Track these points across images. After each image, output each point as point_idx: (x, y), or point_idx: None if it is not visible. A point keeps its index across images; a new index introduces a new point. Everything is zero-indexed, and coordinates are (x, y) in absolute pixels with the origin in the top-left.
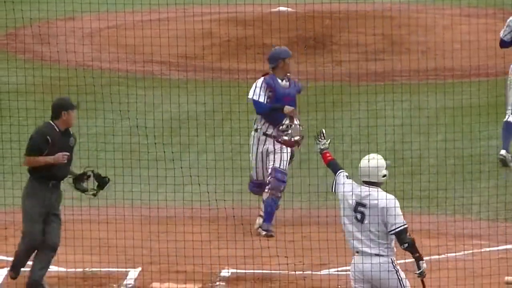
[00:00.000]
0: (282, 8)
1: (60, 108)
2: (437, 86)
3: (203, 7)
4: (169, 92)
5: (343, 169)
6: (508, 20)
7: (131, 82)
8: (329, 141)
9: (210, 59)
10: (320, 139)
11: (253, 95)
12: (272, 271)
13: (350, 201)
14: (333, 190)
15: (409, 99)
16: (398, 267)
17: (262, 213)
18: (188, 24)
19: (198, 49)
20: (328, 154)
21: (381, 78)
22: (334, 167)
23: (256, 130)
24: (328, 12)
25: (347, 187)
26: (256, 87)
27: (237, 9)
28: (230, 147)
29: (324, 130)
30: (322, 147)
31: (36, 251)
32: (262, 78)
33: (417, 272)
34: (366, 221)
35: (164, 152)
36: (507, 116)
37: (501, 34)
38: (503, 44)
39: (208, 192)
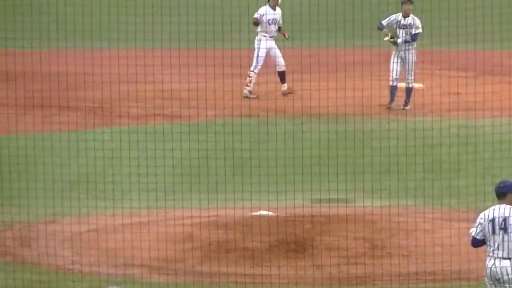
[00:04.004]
0: (263, 212)
1: None
2: None
3: (184, 211)
4: None
5: None
6: (478, 218)
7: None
8: None
9: (191, 263)
10: None
11: None
12: None
13: None
14: None
15: None
16: None
17: None
18: (169, 227)
19: (178, 252)
20: None
21: (362, 282)
22: None
23: None
24: (309, 216)
25: None
26: None
27: (218, 213)
28: None
29: None
30: None
31: None
32: None
33: None
34: None
35: None
36: None
37: (472, 232)
38: (475, 242)
39: None
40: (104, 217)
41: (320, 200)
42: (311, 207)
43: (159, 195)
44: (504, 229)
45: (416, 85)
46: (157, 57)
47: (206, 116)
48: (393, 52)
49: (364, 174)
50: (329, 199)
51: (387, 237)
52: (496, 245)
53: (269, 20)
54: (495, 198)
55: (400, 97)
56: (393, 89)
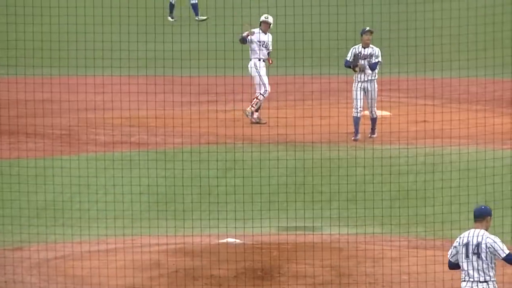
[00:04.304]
0: (230, 239)
1: None
2: None
3: (151, 238)
4: None
5: None
6: (455, 241)
7: None
8: None
9: None
10: None
11: None
12: None
13: None
14: None
15: None
16: None
17: None
18: (136, 254)
19: (145, 279)
20: None
21: None
22: None
23: None
24: (276, 244)
25: None
26: None
27: (185, 240)
28: None
29: None
30: None
31: None
32: None
33: None
34: None
35: None
36: None
37: (448, 255)
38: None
39: None
40: (71, 244)
41: (287, 228)
42: (278, 234)
43: (126, 222)
44: (478, 254)
45: (383, 113)
46: (124, 84)
47: (173, 143)
48: (354, 83)
49: (331, 202)
50: (296, 226)
51: (354, 265)
52: (469, 269)
53: (261, 42)
54: (462, 226)
55: (367, 125)
56: (356, 121)
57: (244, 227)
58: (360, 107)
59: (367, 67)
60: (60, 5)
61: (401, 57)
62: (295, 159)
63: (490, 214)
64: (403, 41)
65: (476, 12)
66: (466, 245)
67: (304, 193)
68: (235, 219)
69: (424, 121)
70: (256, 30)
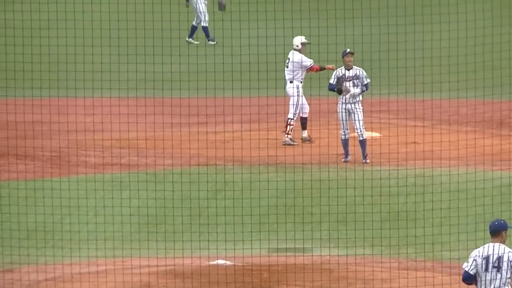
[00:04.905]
0: (220, 261)
1: None
2: None
3: (141, 259)
4: None
5: None
6: (472, 254)
7: None
8: None
9: None
10: None
11: None
12: None
13: None
14: None
15: None
16: None
17: None
18: (126, 276)
19: None
20: None
21: None
22: None
23: None
24: (266, 265)
25: None
26: None
27: (175, 262)
28: None
29: None
30: None
31: None
32: None
33: None
34: None
35: None
36: None
37: (466, 267)
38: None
39: None
40: (62, 266)
41: (278, 249)
42: (269, 256)
43: (116, 244)
44: (498, 267)
45: (373, 134)
46: (114, 106)
47: (163, 165)
48: (338, 105)
49: (322, 223)
50: (286, 248)
51: (345, 286)
52: (487, 282)
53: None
54: (453, 247)
55: (357, 146)
56: (345, 142)
57: (234, 249)
58: (347, 129)
59: (351, 89)
60: (50, 27)
61: (391, 78)
62: (285, 181)
63: (505, 228)
64: (393, 63)
65: (466, 33)
66: (487, 258)
67: (294, 214)
68: (226, 240)
69: (414, 142)
70: (304, 56)
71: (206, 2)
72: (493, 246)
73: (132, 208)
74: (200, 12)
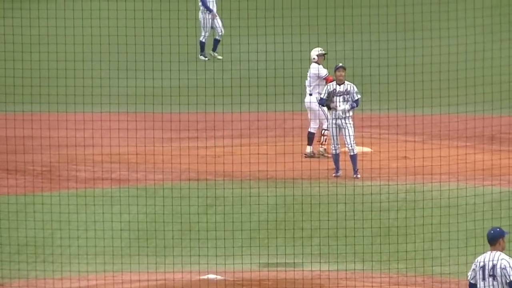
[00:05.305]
0: (211, 276)
1: None
2: None
3: (132, 274)
4: None
5: None
6: (473, 263)
7: None
8: None
9: None
10: None
11: None
12: None
13: None
14: None
15: None
16: None
17: None
18: None
19: None
20: None
21: None
22: None
23: None
24: (257, 280)
25: None
26: None
27: (166, 276)
28: None
29: None
30: None
31: None
32: None
33: None
34: None
35: None
36: None
37: (468, 277)
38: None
39: None
40: (52, 280)
41: (268, 264)
42: (259, 271)
43: (107, 259)
44: (493, 276)
45: (364, 149)
46: (105, 121)
47: (154, 180)
48: (329, 119)
49: (312, 238)
50: (277, 263)
51: None
52: None
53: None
54: (444, 262)
55: (348, 161)
56: (336, 158)
57: (225, 263)
58: (338, 144)
59: (340, 104)
60: (41, 41)
61: (382, 93)
62: (276, 196)
63: (502, 236)
64: (384, 78)
65: (457, 49)
66: (483, 268)
67: (285, 229)
68: (216, 255)
69: (405, 157)
70: (320, 67)
71: (211, 17)
72: (490, 254)
73: (122, 223)
74: (214, 27)
